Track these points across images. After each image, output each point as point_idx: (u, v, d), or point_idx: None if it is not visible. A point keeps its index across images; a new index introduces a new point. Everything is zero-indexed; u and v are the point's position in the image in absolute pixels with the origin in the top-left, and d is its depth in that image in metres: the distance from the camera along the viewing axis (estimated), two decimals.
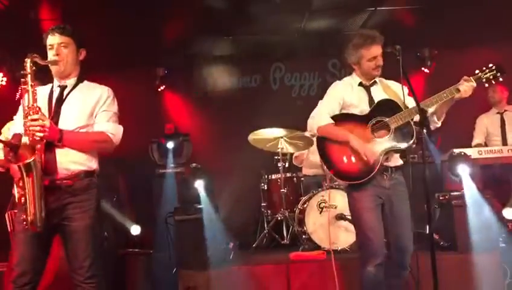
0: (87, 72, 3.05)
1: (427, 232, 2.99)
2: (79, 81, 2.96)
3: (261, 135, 5.27)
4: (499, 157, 5.02)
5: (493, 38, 5.90)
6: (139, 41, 5.97)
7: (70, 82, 2.93)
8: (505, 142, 5.47)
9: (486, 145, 5.53)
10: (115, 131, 2.92)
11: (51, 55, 2.87)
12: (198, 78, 7.25)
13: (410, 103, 3.20)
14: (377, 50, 3.22)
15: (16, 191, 2.68)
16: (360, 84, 3.35)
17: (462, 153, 4.55)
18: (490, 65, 3.20)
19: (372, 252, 3.12)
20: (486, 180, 4.98)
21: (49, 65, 2.87)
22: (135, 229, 5.37)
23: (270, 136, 5.25)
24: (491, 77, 3.18)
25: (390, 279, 3.22)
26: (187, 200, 4.52)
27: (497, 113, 5.63)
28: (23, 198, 2.59)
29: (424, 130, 2.89)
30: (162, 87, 7.12)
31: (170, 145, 6.46)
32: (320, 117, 3.32)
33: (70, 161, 2.78)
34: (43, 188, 2.62)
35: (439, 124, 3.29)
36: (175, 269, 4.19)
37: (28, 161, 2.58)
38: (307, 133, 5.48)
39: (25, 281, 2.69)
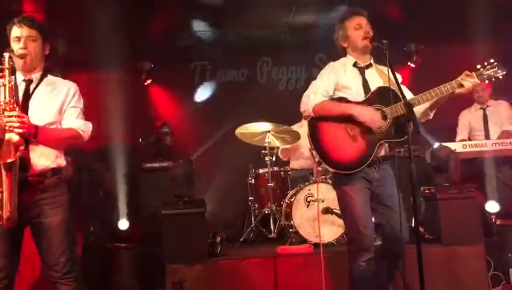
0: (72, 67, 3.02)
1: (413, 225, 3.03)
2: (44, 75, 2.92)
3: (248, 129, 5.27)
4: (483, 151, 5.08)
5: (479, 34, 5.95)
6: (126, 34, 5.91)
7: (35, 76, 2.89)
8: (488, 137, 5.52)
9: (469, 140, 5.58)
10: (85, 128, 2.93)
11: (17, 47, 2.80)
12: (185, 72, 7.21)
13: (405, 91, 3.13)
14: (360, 19, 3.20)
15: None
16: (355, 64, 3.25)
17: (446, 147, 4.59)
18: (492, 60, 3.07)
19: (364, 247, 3.07)
20: (471, 174, 5.05)
21: (15, 58, 2.79)
22: (123, 224, 5.35)
23: (257, 130, 5.26)
24: (492, 74, 3.07)
25: (384, 270, 3.20)
26: (174, 195, 4.50)
27: (480, 108, 5.69)
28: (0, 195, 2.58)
29: (412, 124, 2.80)
30: (148, 81, 7.07)
31: (157, 139, 6.42)
32: (316, 96, 3.15)
33: (41, 158, 2.76)
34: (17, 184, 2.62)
35: (431, 117, 3.22)
36: (162, 264, 4.17)
37: (10, 160, 2.56)
38: (293, 127, 5.51)
39: (0, 276, 2.69)
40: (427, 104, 3.14)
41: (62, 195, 2.83)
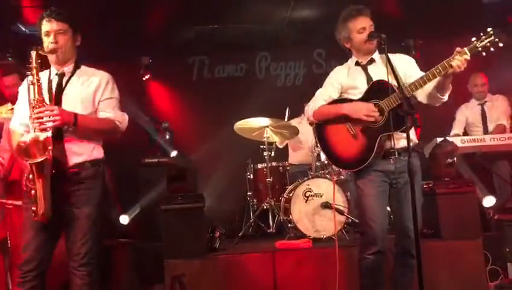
0: None
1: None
2: (76, 67, 2.93)
3: (246, 124, 5.28)
4: (481, 146, 5.09)
5: (476, 28, 5.95)
6: (124, 29, 5.90)
7: (68, 69, 2.90)
8: (486, 132, 5.51)
9: (466, 135, 5.58)
10: (121, 118, 2.94)
11: (47, 42, 2.81)
12: (184, 67, 7.21)
13: (417, 76, 3.03)
14: (364, 21, 3.14)
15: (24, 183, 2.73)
16: (357, 63, 3.26)
17: (450, 141, 4.60)
18: (488, 29, 2.83)
19: (371, 240, 3.09)
20: (469, 169, 5.06)
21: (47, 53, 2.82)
22: (124, 219, 5.35)
23: (256, 125, 5.26)
24: (488, 44, 2.82)
25: (398, 268, 3.19)
26: (173, 190, 4.49)
27: (478, 104, 5.68)
28: (33, 191, 2.62)
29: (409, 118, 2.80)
30: (147, 76, 7.06)
31: (157, 135, 6.43)
32: (315, 103, 3.29)
33: (78, 151, 2.80)
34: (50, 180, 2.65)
35: (445, 98, 3.08)
36: (161, 259, 4.17)
37: (39, 160, 2.59)
38: (292, 122, 5.51)
39: (29, 268, 2.70)
40: (429, 88, 3.04)
41: (96, 188, 2.85)
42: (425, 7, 5.83)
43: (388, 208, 3.34)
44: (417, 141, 3.18)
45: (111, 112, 2.90)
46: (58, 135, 2.75)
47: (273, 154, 5.53)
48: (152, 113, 6.90)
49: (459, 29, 6.11)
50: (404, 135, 2.96)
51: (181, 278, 3.85)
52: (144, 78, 7.05)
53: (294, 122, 5.64)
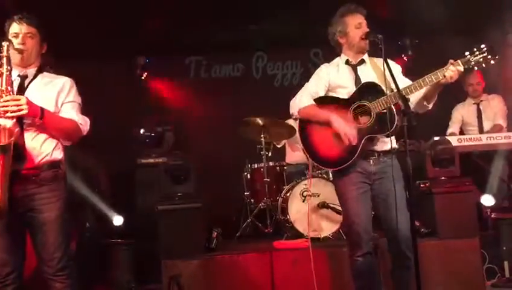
0: (66, 62, 3.01)
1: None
2: (39, 71, 2.93)
3: (243, 123, 5.27)
4: (478, 145, 5.10)
5: (473, 27, 5.96)
6: (120, 29, 5.88)
7: (30, 72, 2.90)
8: (482, 132, 5.53)
9: (462, 134, 5.60)
10: (83, 121, 2.94)
11: (15, 43, 2.81)
12: (180, 67, 7.20)
13: (403, 83, 3.08)
14: (361, 18, 3.20)
15: None
16: (347, 62, 3.27)
17: (446, 140, 4.61)
18: (482, 46, 2.90)
19: (356, 242, 3.10)
20: (466, 168, 5.07)
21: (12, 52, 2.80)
22: (117, 220, 5.34)
23: (253, 125, 5.25)
24: (481, 60, 2.90)
25: (395, 271, 3.15)
26: (170, 190, 4.49)
27: (474, 103, 5.70)
28: None
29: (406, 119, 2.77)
30: (143, 76, 7.04)
31: (152, 134, 6.42)
32: (302, 99, 3.28)
33: (38, 150, 2.75)
34: (9, 174, 2.58)
35: (430, 107, 3.16)
36: (158, 259, 4.17)
37: (3, 144, 2.54)
38: (289, 122, 5.51)
39: (6, 271, 2.69)
40: (419, 95, 3.10)
41: (58, 190, 2.81)
42: (422, 6, 5.83)
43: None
44: (395, 146, 3.16)
45: (73, 113, 2.89)
46: (19, 129, 2.71)
47: (270, 154, 5.52)
48: (149, 114, 6.89)
49: (454, 28, 6.16)
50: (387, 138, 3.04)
51: (178, 278, 3.85)
52: (140, 78, 7.03)
53: (291, 121, 5.63)
